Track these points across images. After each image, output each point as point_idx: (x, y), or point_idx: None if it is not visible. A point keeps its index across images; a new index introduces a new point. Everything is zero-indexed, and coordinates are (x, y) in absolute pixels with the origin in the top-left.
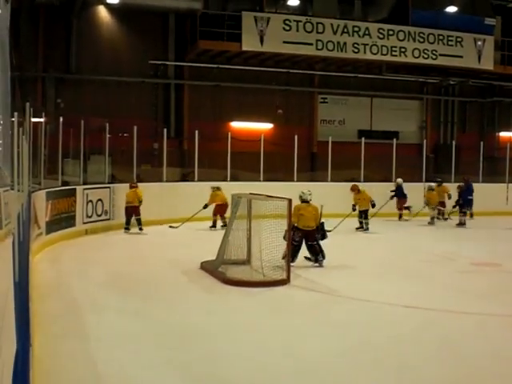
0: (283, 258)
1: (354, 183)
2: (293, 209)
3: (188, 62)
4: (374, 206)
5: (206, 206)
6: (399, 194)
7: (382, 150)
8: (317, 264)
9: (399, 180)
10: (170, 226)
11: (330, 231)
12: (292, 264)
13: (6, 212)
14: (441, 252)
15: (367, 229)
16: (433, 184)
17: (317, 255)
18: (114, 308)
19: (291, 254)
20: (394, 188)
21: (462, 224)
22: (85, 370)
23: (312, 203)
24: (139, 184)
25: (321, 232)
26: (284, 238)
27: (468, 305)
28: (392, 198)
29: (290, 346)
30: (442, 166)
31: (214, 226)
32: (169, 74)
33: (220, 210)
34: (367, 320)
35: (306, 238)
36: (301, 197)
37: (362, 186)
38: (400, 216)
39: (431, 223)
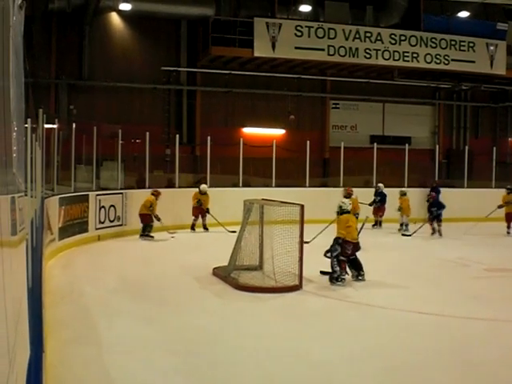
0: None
1: (349, 187)
2: (338, 220)
3: (200, 68)
4: (357, 217)
5: (208, 211)
6: (382, 200)
7: (395, 155)
8: (360, 278)
9: (381, 185)
10: (232, 231)
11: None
12: (343, 283)
13: (20, 218)
14: (453, 258)
15: None
16: (404, 189)
17: (360, 270)
18: (127, 314)
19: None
20: (375, 193)
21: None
22: (97, 376)
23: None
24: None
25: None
26: (325, 255)
27: (481, 311)
28: (374, 204)
29: (302, 353)
30: (454, 172)
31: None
32: (181, 80)
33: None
34: (380, 326)
35: (353, 251)
36: (341, 207)
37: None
38: (377, 223)
39: (401, 230)
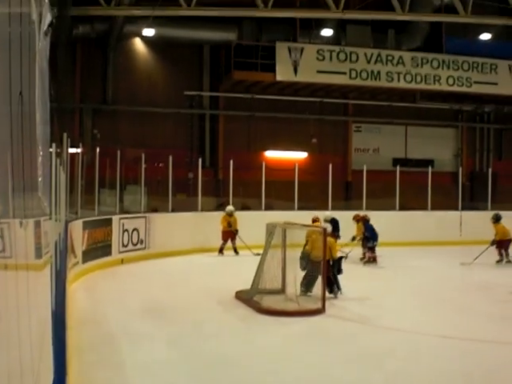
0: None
1: (357, 213)
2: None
3: (223, 92)
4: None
5: (237, 232)
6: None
7: (418, 178)
8: (332, 295)
9: (329, 212)
10: (258, 254)
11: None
12: (309, 294)
13: (45, 241)
14: (476, 281)
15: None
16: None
17: (331, 286)
18: (150, 337)
19: (306, 285)
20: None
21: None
22: None
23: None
24: (176, 213)
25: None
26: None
27: (509, 335)
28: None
29: (326, 377)
30: (478, 194)
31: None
32: (204, 104)
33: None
34: (404, 351)
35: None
36: None
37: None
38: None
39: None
